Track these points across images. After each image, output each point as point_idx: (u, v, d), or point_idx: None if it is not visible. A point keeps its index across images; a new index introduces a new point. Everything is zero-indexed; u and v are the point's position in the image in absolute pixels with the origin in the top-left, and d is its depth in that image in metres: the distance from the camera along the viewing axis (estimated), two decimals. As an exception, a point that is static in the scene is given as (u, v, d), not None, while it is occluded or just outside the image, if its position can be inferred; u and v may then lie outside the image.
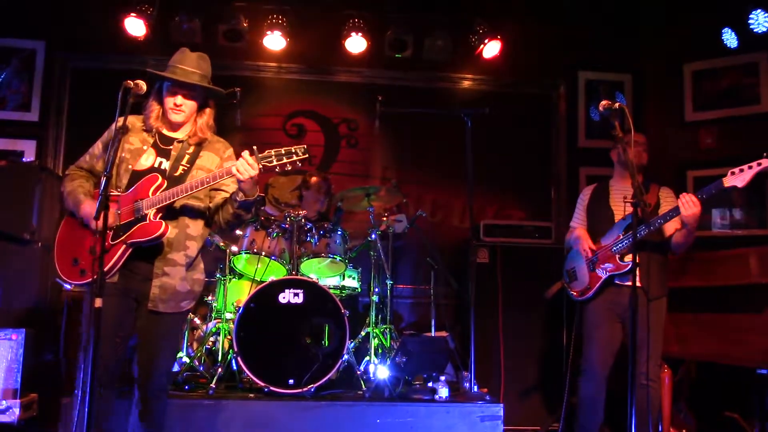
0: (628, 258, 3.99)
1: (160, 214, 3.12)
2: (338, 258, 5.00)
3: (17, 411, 4.21)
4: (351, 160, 6.39)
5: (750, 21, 5.43)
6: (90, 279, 2.96)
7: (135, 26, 5.74)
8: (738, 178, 3.67)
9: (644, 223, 3.90)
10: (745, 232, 5.59)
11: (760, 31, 5.42)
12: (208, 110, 3.35)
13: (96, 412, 2.79)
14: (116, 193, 3.13)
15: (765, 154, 3.60)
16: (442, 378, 4.60)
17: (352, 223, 5.96)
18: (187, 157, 3.28)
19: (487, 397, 4.61)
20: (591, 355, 4.15)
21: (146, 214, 3.09)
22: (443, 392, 4.50)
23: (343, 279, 5.23)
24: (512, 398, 5.19)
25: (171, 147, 3.28)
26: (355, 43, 6.06)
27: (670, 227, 3.93)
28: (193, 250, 3.27)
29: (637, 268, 3.90)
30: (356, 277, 5.31)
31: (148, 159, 3.23)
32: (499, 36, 6.06)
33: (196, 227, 3.28)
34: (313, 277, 4.90)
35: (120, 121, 2.99)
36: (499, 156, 6.27)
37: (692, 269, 4.18)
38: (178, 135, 3.33)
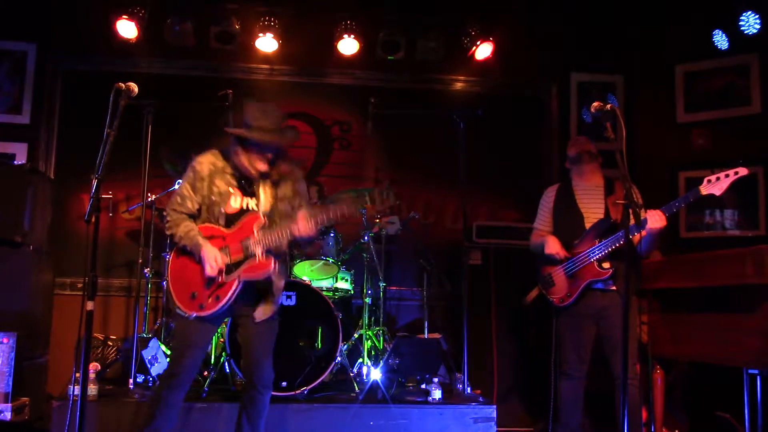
0: (606, 265, 4.01)
1: (266, 253, 3.45)
2: (331, 260, 5.00)
3: (9, 415, 4.20)
4: (343, 162, 6.38)
5: (741, 23, 5.45)
6: (211, 312, 3.41)
7: (126, 29, 5.71)
8: (715, 186, 3.69)
9: (620, 231, 3.92)
10: (740, 233, 5.62)
11: (750, 33, 5.44)
12: None
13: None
14: (222, 229, 3.50)
15: (741, 161, 3.65)
16: (435, 380, 4.60)
17: (345, 225, 5.92)
18: (269, 191, 3.59)
19: (480, 399, 4.62)
20: (569, 358, 4.17)
21: (255, 253, 3.42)
22: (436, 394, 4.51)
23: (336, 281, 5.22)
24: (505, 400, 5.20)
25: (254, 187, 3.57)
26: (348, 45, 6.06)
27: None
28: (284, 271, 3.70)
29: (615, 271, 3.98)
30: (349, 279, 5.30)
31: (236, 201, 3.53)
32: (491, 38, 6.06)
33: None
34: (306, 279, 4.89)
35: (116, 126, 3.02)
36: (492, 157, 6.27)
37: (685, 270, 4.17)
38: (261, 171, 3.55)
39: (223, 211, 3.50)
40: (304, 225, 3.38)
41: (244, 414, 3.59)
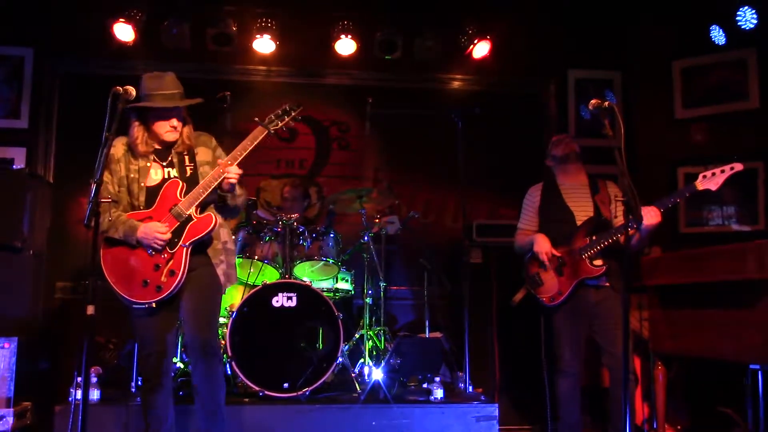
0: (598, 262, 4.00)
1: (199, 210, 3.41)
2: (331, 261, 5.00)
3: (11, 420, 4.20)
4: (342, 162, 6.38)
5: (738, 17, 5.45)
6: (171, 289, 3.29)
7: (124, 32, 5.71)
8: (711, 181, 3.71)
9: (612, 229, 3.93)
10: (740, 227, 5.62)
11: (747, 28, 5.45)
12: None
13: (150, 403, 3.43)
14: (144, 211, 3.40)
15: (735, 157, 3.67)
16: (437, 379, 4.60)
17: (345, 226, 5.93)
18: (187, 158, 3.53)
19: (482, 398, 4.62)
20: (564, 354, 4.14)
21: (189, 214, 3.37)
22: (438, 393, 4.50)
23: (337, 282, 5.22)
24: (507, 398, 5.19)
25: (170, 156, 3.52)
26: (345, 46, 6.05)
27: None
28: (224, 235, 3.61)
29: (607, 268, 3.98)
30: (349, 280, 5.30)
31: (157, 174, 3.47)
32: (488, 36, 6.06)
33: (220, 215, 3.56)
34: (306, 280, 4.89)
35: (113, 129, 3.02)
36: (491, 155, 6.26)
37: (685, 265, 4.18)
38: (170, 142, 3.51)
39: (143, 185, 3.43)
40: (224, 164, 3.36)
41: (201, 392, 3.41)
